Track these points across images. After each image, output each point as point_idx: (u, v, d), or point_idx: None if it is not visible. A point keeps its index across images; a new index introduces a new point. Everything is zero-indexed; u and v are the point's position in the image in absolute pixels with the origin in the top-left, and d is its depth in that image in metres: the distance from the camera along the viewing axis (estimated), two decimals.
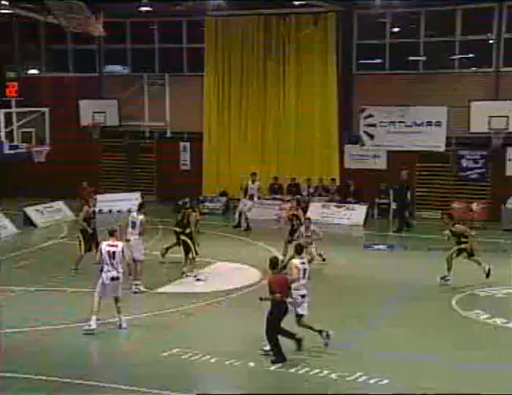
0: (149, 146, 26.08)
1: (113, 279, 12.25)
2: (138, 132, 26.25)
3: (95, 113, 25.34)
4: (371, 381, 10.21)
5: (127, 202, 24.40)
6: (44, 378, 10.30)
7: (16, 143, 18.05)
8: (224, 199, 24.39)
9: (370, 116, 23.67)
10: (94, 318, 12.08)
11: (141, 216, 15.08)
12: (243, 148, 25.00)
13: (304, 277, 11.63)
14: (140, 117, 25.96)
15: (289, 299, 11.20)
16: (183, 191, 24.50)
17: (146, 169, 26.20)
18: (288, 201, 23.29)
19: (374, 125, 23.69)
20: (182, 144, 25.81)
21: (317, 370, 10.54)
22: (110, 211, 23.83)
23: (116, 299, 12.37)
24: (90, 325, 12.06)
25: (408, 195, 21.97)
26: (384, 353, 11.28)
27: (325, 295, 14.55)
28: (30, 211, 21.55)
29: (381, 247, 19.24)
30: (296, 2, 23.22)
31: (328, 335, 11.36)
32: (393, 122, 23.42)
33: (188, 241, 15.72)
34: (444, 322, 13.03)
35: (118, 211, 23.57)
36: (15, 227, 20.56)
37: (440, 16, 23.15)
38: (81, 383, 10.18)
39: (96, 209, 16.90)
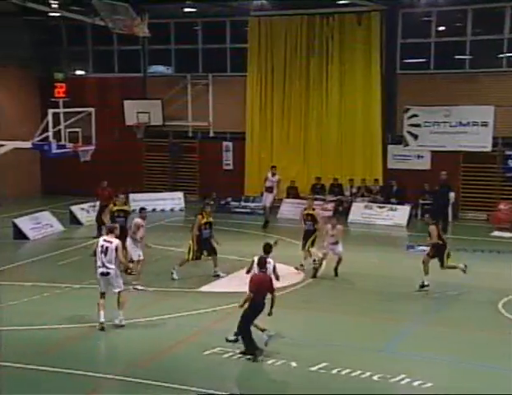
0: (192, 145, 26.28)
1: (102, 274, 12.42)
2: (181, 132, 26.47)
3: (139, 113, 25.64)
4: (415, 384, 10.11)
5: (170, 201, 24.69)
6: (86, 373, 10.47)
7: (63, 143, 18.37)
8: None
9: (414, 116, 23.41)
10: (101, 313, 12.28)
11: (137, 219, 15.24)
12: (285, 148, 24.99)
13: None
14: (183, 117, 26.21)
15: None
16: (225, 190, 24.73)
17: (189, 169, 26.41)
18: (330, 201, 23.29)
19: (418, 125, 23.42)
20: (224, 144, 25.94)
21: (359, 372, 10.48)
22: (154, 210, 24.10)
23: (118, 295, 12.47)
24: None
25: (450, 196, 21.68)
26: (428, 356, 11.15)
27: (366, 296, 14.47)
28: (76, 209, 21.94)
29: (424, 248, 18.94)
30: (340, 2, 23.10)
31: (269, 336, 11.35)
32: (438, 122, 23.11)
33: (190, 243, 15.46)
34: (491, 326, 12.78)
35: (162, 210, 23.81)
36: (61, 225, 20.97)
37: (488, 13, 22.73)
38: (122, 379, 10.34)
39: (130, 208, 17.04)
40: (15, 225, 19.92)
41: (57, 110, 18.38)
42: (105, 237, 12.63)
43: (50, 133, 18.11)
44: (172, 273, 15.44)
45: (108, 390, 10.19)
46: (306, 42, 24.18)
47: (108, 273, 12.36)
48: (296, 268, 16.35)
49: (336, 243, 15.83)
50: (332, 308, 13.84)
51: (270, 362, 10.96)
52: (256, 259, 11.79)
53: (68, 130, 18.59)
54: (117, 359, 11.21)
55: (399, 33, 23.54)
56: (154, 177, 26.63)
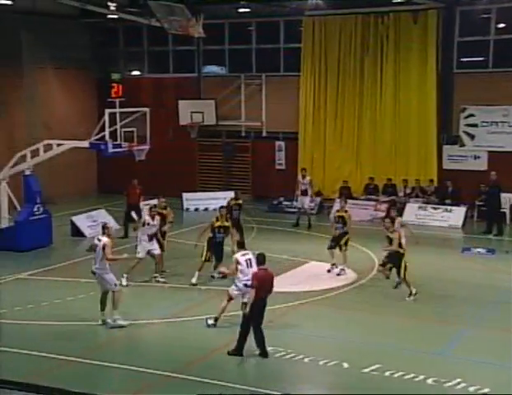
0: (245, 145, 26.39)
1: (92, 273, 12.77)
2: (234, 132, 26.61)
3: (193, 112, 25.89)
4: (471, 389, 9.92)
5: (222, 200, 24.77)
6: (139, 369, 10.64)
7: (119, 142, 18.67)
8: (318, 199, 24.31)
9: (471, 116, 22.94)
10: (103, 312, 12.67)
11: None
12: (338, 148, 24.85)
13: (250, 268, 12.05)
14: (236, 116, 26.34)
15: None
16: (277, 190, 24.75)
17: (242, 169, 26.52)
18: (383, 202, 23.03)
19: (474, 125, 22.95)
20: (277, 143, 25.96)
21: (412, 375, 10.35)
22: (206, 209, 24.31)
23: (112, 294, 12.65)
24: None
25: (507, 197, 21.18)
26: (485, 360, 10.92)
27: (420, 298, 14.26)
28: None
29: (480, 250, 18.61)
30: (395, 1, 22.82)
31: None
32: (496, 121, 22.59)
33: (203, 246, 15.20)
34: None
35: (214, 210, 23.90)
36: (116, 223, 21.33)
37: None
38: (176, 376, 10.46)
39: (170, 212, 16.84)
40: (72, 223, 20.40)
41: (113, 110, 18.66)
42: (99, 236, 12.90)
43: (107, 133, 18.40)
44: (192, 281, 15.14)
45: (162, 387, 10.32)
46: (360, 41, 23.99)
47: (94, 273, 12.70)
48: (329, 271, 16.22)
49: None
50: (385, 309, 13.70)
51: (322, 363, 10.92)
52: (252, 257, 12.06)
53: (124, 130, 18.85)
54: (171, 356, 11.34)
55: (456, 31, 23.10)
56: (207, 176, 26.85)
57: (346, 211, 16.47)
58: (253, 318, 11.17)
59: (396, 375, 10.38)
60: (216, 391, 9.95)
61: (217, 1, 25.02)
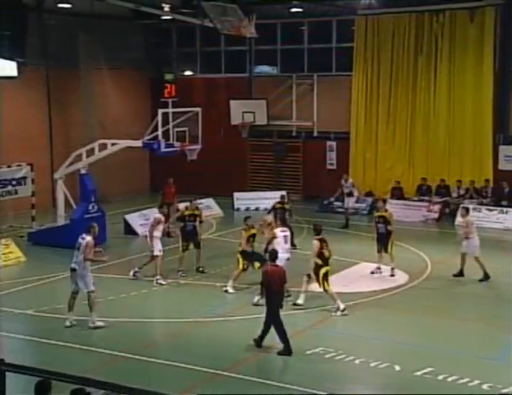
0: (296, 145, 26.34)
1: (71, 269, 12.70)
2: (285, 132, 26.59)
3: (244, 112, 25.98)
4: None
5: (273, 200, 24.76)
6: (189, 366, 10.75)
7: (171, 142, 18.88)
8: (370, 199, 24.08)
9: None
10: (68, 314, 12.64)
11: (157, 214, 15.79)
12: (390, 148, 24.56)
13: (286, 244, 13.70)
14: (287, 116, 26.31)
15: None
16: (328, 190, 24.61)
17: (293, 169, 26.47)
18: (435, 203, 22.65)
19: None
20: (328, 143, 25.82)
21: (467, 379, 10.15)
22: (257, 208, 24.35)
23: (87, 296, 12.59)
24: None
25: None
26: None
27: (475, 301, 13.98)
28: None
29: None
30: None
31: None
32: None
33: (239, 257, 14.99)
34: None
35: (265, 209, 23.94)
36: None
37: None
38: (226, 375, 10.52)
39: (201, 213, 17.06)
40: (125, 221, 20.72)
41: (166, 110, 18.89)
42: (83, 234, 12.91)
43: (159, 132, 18.64)
44: (226, 290, 14.83)
45: (211, 385, 10.39)
46: (414, 40, 23.65)
47: (75, 269, 12.67)
48: (372, 272, 15.99)
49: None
50: (437, 311, 13.48)
51: (373, 364, 10.81)
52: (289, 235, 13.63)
53: (176, 129, 19.05)
54: (220, 355, 11.40)
55: None
56: (258, 176, 26.90)
57: (386, 210, 16.27)
58: (270, 314, 11.36)
59: (450, 379, 10.20)
60: (265, 391, 9.97)
61: (270, 1, 25.07)
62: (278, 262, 12.11)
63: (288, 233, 14.70)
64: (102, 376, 9.80)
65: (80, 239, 12.85)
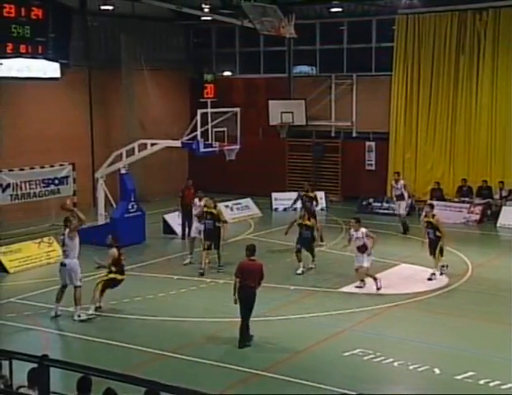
0: (334, 145, 26.22)
1: (61, 264, 13.19)
2: (324, 132, 26.50)
3: (283, 113, 25.97)
4: None
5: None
6: (228, 366, 10.84)
7: (210, 142, 18.99)
8: (409, 201, 23.80)
9: None
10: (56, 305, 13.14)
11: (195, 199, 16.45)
12: (430, 148, 24.27)
13: None
14: (326, 116, 26.22)
15: None
16: (367, 191, 24.47)
17: (331, 169, 26.36)
18: (477, 204, 22.29)
19: None
20: (367, 144, 25.64)
21: (510, 385, 9.97)
22: (295, 209, 24.28)
23: (74, 290, 13.04)
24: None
25: None
26: None
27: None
28: (221, 207, 22.61)
29: None
30: None
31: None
32: None
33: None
34: None
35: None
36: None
37: None
38: (265, 375, 10.54)
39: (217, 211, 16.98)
40: (164, 221, 20.90)
41: (205, 110, 19.01)
42: (64, 232, 13.41)
43: (198, 133, 18.75)
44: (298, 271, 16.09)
45: (250, 385, 10.43)
46: (456, 40, 23.31)
47: (65, 264, 13.15)
48: (429, 279, 15.57)
49: None
50: (477, 315, 13.29)
51: (412, 367, 10.72)
52: None
53: (215, 129, 19.15)
54: (259, 354, 11.43)
55: None
56: (296, 176, 26.84)
57: (433, 216, 15.89)
58: (240, 306, 11.47)
59: (492, 384, 10.04)
60: (304, 391, 9.96)
61: (309, 1, 25.01)
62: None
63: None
64: (143, 374, 9.94)
65: (63, 236, 13.46)
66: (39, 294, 14.64)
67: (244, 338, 11.61)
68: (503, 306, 13.81)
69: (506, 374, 10.37)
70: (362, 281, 15.01)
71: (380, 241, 19.46)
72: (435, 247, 15.57)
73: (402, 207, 20.97)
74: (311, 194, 19.48)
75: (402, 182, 21.10)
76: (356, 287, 14.91)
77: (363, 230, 14.87)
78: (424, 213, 16.57)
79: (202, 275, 15.98)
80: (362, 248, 14.78)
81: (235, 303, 11.59)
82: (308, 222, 16.37)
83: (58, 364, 5.58)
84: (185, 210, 19.55)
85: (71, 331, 12.71)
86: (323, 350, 11.59)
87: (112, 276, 13.55)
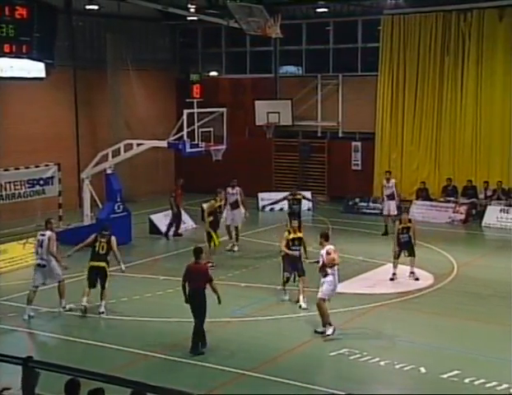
0: (321, 145, 26.27)
1: (39, 265, 13.22)
2: (310, 132, 26.54)
3: (269, 113, 25.98)
4: None
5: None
6: (215, 366, 10.81)
7: (196, 142, 18.96)
8: (398, 201, 23.88)
9: None
10: (28, 306, 13.12)
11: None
12: (416, 148, 24.38)
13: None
14: (312, 117, 26.26)
15: None
16: (353, 191, 24.53)
17: (318, 169, 26.41)
18: (462, 204, 22.38)
19: None
20: (353, 144, 25.72)
21: (495, 383, 10.04)
22: (281, 209, 24.28)
23: (58, 284, 13.35)
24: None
25: None
26: None
27: (501, 303, 13.82)
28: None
29: None
30: None
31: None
32: None
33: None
34: None
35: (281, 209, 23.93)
36: (193, 222, 21.67)
37: None
38: (251, 375, 10.54)
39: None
40: (151, 221, 20.84)
41: (191, 110, 18.98)
42: (42, 231, 13.52)
43: (185, 133, 18.73)
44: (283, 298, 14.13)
45: (237, 385, 10.42)
46: (441, 40, 23.42)
47: (44, 265, 13.17)
48: (417, 279, 15.51)
49: None
50: (463, 314, 13.37)
51: (398, 367, 10.76)
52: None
53: (201, 130, 19.14)
54: (246, 355, 11.42)
55: None
56: (283, 176, 26.88)
57: (409, 220, 15.80)
58: (192, 309, 11.45)
59: (477, 382, 10.10)
60: (290, 391, 9.97)
61: (295, 1, 25.04)
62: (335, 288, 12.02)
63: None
64: (128, 375, 9.91)
65: (40, 236, 13.43)
66: (24, 295, 14.51)
67: (197, 345, 11.32)
68: (488, 305, 13.91)
69: (491, 372, 10.44)
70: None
71: (366, 242, 19.64)
72: (412, 246, 15.61)
73: (392, 207, 20.50)
74: (299, 196, 19.39)
75: (393, 181, 20.85)
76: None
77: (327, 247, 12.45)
78: (400, 221, 15.88)
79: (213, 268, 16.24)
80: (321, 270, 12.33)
81: (186, 302, 11.57)
82: (299, 234, 14.00)
83: (43, 366, 5.55)
84: (176, 209, 20.02)
85: (56, 332, 12.65)
86: (309, 350, 11.61)
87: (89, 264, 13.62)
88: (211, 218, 17.01)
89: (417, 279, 15.58)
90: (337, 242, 18.26)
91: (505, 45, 22.49)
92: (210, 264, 16.15)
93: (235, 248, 18.46)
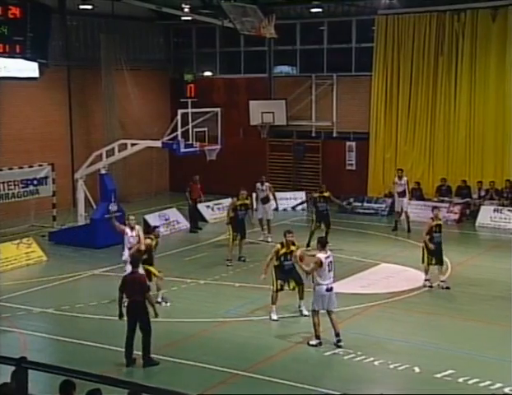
0: (315, 145, 26.29)
1: None
2: (305, 132, 26.56)
3: (263, 113, 25.99)
4: None
5: (292, 200, 24.83)
6: (211, 366, 10.78)
7: (190, 142, 18.96)
8: (389, 200, 23.96)
9: None
10: None
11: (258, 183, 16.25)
12: (410, 148, 24.43)
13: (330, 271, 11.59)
14: (307, 117, 26.27)
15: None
16: (348, 191, 24.55)
17: (312, 169, 26.43)
18: (456, 204, 22.45)
19: None
20: (348, 144, 25.74)
21: (488, 382, 10.08)
22: (276, 209, 24.29)
23: None
24: None
25: None
26: None
27: (494, 303, 13.86)
28: (202, 207, 22.57)
29: None
30: None
31: None
32: None
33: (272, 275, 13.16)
34: None
35: (284, 210, 23.98)
36: (187, 222, 21.64)
37: None
38: (245, 375, 10.54)
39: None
40: (145, 221, 20.79)
41: (185, 110, 18.97)
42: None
43: (179, 133, 18.72)
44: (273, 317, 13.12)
45: (233, 385, 10.41)
46: (435, 40, 23.47)
47: None
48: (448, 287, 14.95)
49: None
50: (457, 313, 13.40)
51: (392, 366, 10.78)
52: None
53: (196, 130, 19.14)
54: (241, 354, 11.42)
55: None
56: (277, 176, 26.87)
57: (440, 219, 15.26)
58: (128, 321, 10.98)
59: (470, 382, 10.13)
60: (285, 391, 9.98)
61: (289, 1, 25.05)
62: (322, 299, 11.51)
63: (332, 258, 11.84)
64: (124, 375, 9.91)
65: None
66: (18, 295, 14.52)
67: (148, 356, 10.87)
68: (482, 305, 13.94)
69: (485, 371, 10.47)
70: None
71: (360, 241, 19.66)
72: (441, 252, 14.97)
73: (405, 204, 20.56)
74: (327, 194, 18.54)
75: (405, 178, 20.88)
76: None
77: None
78: (434, 218, 15.20)
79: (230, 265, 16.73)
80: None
81: (120, 318, 11.12)
82: (293, 248, 13.01)
83: (36, 367, 5.53)
84: (192, 204, 20.91)
85: (50, 333, 12.62)
86: (304, 350, 11.61)
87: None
88: (232, 214, 17.29)
89: (448, 287, 14.84)
90: (331, 242, 18.38)
91: (498, 45, 22.55)
92: (228, 261, 16.78)
93: (269, 239, 18.94)
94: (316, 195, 18.65)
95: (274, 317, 12.94)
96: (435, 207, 16.35)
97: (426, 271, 15.07)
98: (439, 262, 15.12)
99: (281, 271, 12.97)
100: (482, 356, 11.10)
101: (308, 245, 17.51)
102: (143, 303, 10.92)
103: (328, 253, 11.74)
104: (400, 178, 20.83)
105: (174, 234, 20.77)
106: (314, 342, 11.68)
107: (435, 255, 14.98)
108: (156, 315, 11.19)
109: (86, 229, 19.13)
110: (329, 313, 11.71)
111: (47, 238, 19.48)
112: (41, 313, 13.45)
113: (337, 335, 11.62)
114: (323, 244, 11.80)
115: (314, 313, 11.70)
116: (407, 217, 20.55)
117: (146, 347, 10.90)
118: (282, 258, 12.95)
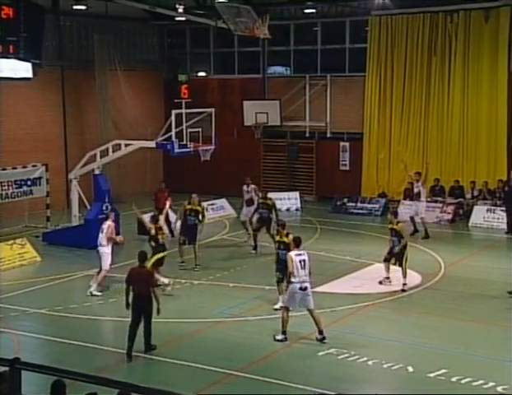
0: (309, 145, 26.33)
1: None
2: (299, 132, 26.59)
3: (257, 113, 26.01)
4: None
5: (286, 201, 24.86)
6: (205, 367, 10.80)
7: (184, 142, 18.95)
8: (383, 200, 24.04)
9: None
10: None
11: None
12: (403, 149, 24.48)
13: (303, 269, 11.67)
14: (301, 117, 26.31)
15: None
16: (341, 191, 24.60)
17: (306, 169, 26.47)
18: (449, 204, 22.51)
19: None
20: (342, 144, 25.79)
21: (481, 381, 10.13)
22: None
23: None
24: None
25: None
26: None
27: (488, 303, 13.92)
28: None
29: None
30: None
31: None
32: None
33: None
34: None
35: (278, 210, 23.94)
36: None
37: None
38: (239, 375, 10.55)
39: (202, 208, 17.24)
40: (139, 222, 20.76)
41: (179, 111, 18.97)
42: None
43: (173, 133, 18.72)
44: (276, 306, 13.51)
45: (226, 385, 10.43)
46: (428, 41, 23.56)
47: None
48: (380, 282, 15.14)
49: None
50: (450, 313, 13.45)
51: (386, 366, 10.81)
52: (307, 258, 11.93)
53: (190, 130, 19.12)
54: (235, 355, 11.43)
55: None
56: (271, 177, 26.92)
57: (398, 223, 15.12)
58: (132, 313, 11.30)
59: (463, 381, 10.17)
60: (279, 391, 9.99)
61: (283, 2, 25.09)
62: (295, 297, 11.62)
63: (306, 257, 11.95)
64: (117, 375, 9.89)
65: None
66: (11, 296, 14.49)
67: (149, 342, 11.34)
68: (475, 304, 14.01)
69: (478, 370, 10.51)
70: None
71: (353, 241, 19.70)
72: (401, 255, 14.93)
73: (420, 207, 19.98)
74: (270, 202, 18.30)
75: (421, 182, 20.21)
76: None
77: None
78: (389, 220, 15.60)
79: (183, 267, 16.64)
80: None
81: (127, 308, 11.39)
82: (285, 239, 13.18)
83: (30, 367, 5.54)
84: (158, 214, 19.48)
85: (44, 333, 12.61)
86: (298, 350, 11.64)
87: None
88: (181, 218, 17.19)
89: (404, 290, 14.76)
90: (325, 242, 18.52)
91: (490, 46, 22.63)
92: (180, 264, 16.58)
93: (245, 238, 19.10)
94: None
95: (278, 306, 13.28)
96: (392, 212, 15.95)
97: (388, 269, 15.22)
98: (399, 264, 14.99)
99: (279, 262, 13.26)
100: (475, 356, 11.15)
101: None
102: (148, 297, 11.19)
103: (302, 251, 12.00)
104: (417, 180, 20.22)
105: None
106: (279, 337, 11.85)
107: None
108: (159, 312, 11.32)
109: (80, 229, 19.11)
110: (310, 311, 11.92)
111: (41, 238, 19.45)
112: (35, 314, 13.44)
113: (321, 332, 11.78)
114: (297, 243, 12.13)
115: (284, 309, 12.00)
116: (424, 223, 19.94)
117: (147, 334, 11.27)
118: (277, 246, 13.39)
